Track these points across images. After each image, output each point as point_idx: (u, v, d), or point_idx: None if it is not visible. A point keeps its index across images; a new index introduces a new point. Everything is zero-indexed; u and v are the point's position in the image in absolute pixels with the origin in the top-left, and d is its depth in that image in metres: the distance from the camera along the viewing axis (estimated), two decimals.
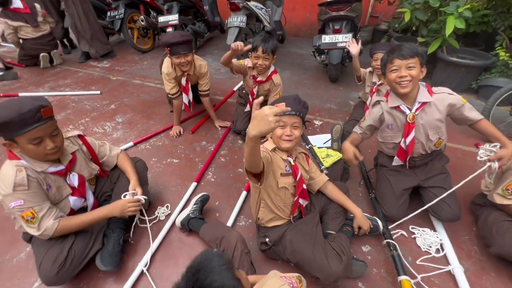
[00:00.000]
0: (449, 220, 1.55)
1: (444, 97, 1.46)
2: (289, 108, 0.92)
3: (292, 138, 1.23)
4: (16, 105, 1.07)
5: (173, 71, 2.28)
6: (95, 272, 1.40)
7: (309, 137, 2.48)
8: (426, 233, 1.58)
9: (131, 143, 2.31)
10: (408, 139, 1.52)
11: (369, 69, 2.49)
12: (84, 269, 1.36)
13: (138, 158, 1.71)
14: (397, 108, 1.51)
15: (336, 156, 2.17)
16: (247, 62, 2.25)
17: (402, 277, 1.29)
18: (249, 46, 2.06)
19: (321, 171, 2.00)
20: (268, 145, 1.30)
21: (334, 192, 1.49)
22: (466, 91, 3.18)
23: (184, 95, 2.42)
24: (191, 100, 2.46)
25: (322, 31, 3.39)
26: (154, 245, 1.50)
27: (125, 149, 2.26)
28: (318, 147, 2.32)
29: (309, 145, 2.32)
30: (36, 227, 1.16)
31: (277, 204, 1.33)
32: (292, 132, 1.22)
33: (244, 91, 2.55)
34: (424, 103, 1.46)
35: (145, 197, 1.47)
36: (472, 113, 1.46)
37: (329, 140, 2.40)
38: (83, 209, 1.44)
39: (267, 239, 1.36)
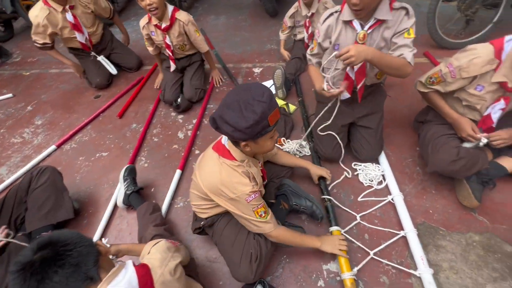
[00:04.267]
0: (368, 159, 1.52)
1: (400, 16, 1.18)
2: None
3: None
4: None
5: (45, 10, 2.11)
6: None
7: None
8: (368, 167, 1.50)
9: (53, 147, 2.04)
10: (356, 66, 1.28)
11: (294, 6, 2.20)
12: None
13: (44, 166, 1.49)
14: (349, 23, 1.24)
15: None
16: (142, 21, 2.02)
17: (333, 228, 1.25)
18: None
19: None
20: (239, 168, 1.00)
21: (284, 156, 1.40)
22: None
23: (77, 34, 2.26)
24: (88, 37, 2.32)
25: None
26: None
27: (48, 155, 2.01)
28: None
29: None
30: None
31: None
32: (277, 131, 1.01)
33: (163, 54, 2.22)
34: (380, 21, 1.19)
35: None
36: (406, 52, 1.18)
37: (271, 86, 2.17)
38: None
39: (202, 223, 1.26)
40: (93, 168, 1.87)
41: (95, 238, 1.44)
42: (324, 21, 1.32)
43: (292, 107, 1.97)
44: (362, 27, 1.22)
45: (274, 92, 2.12)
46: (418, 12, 2.32)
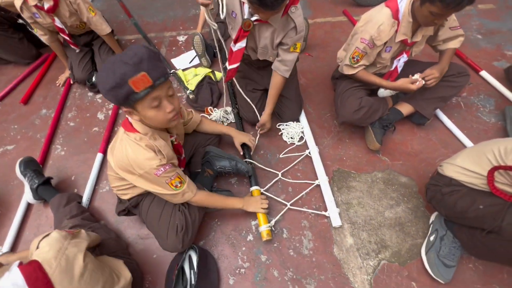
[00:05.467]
0: (289, 120, 1.60)
1: (289, 26, 1.17)
2: None
3: (177, 110, 0.91)
4: None
5: None
6: None
7: (172, 60, 2.10)
8: (289, 125, 1.57)
9: None
10: (237, 47, 1.25)
11: None
12: None
13: None
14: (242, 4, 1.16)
15: (202, 74, 1.90)
16: None
17: (252, 188, 1.32)
18: None
19: (188, 95, 1.77)
20: (142, 141, 0.93)
21: (208, 124, 1.38)
22: None
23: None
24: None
25: None
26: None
27: None
28: (184, 70, 2.00)
29: (171, 71, 1.97)
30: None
31: None
32: (172, 103, 0.89)
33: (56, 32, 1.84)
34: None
35: None
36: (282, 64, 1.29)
37: (195, 56, 2.07)
38: None
39: (125, 205, 1.20)
40: None
41: (9, 239, 1.30)
42: None
43: (218, 75, 1.92)
44: (251, 16, 1.16)
45: (198, 61, 2.03)
46: None
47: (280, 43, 1.24)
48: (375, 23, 1.20)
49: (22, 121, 1.84)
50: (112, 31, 1.89)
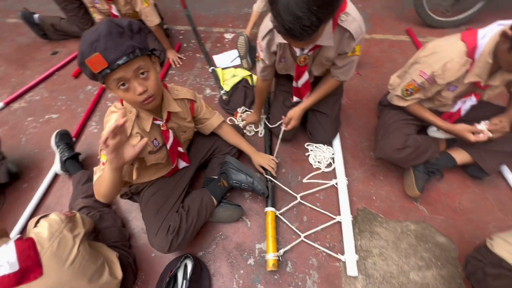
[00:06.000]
0: (321, 142, 1.45)
1: (344, 37, 1.02)
2: None
3: (150, 93, 0.82)
4: None
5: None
6: None
7: (214, 56, 2.08)
8: (319, 148, 1.44)
9: (0, 104, 1.91)
10: (300, 82, 1.20)
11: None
12: None
13: None
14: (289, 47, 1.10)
15: (240, 76, 1.85)
16: None
17: (267, 209, 1.22)
18: None
19: (221, 96, 1.73)
20: (118, 111, 0.89)
21: (228, 133, 1.30)
22: None
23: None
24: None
25: None
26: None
27: None
28: (223, 68, 1.96)
29: (211, 68, 1.95)
30: None
31: (148, 172, 1.12)
32: (143, 85, 0.80)
33: None
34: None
35: None
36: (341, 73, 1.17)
37: (237, 57, 2.02)
38: None
39: (125, 191, 1.20)
40: (41, 130, 1.76)
41: (33, 203, 1.39)
42: (264, 37, 1.11)
43: (256, 79, 1.85)
44: (302, 50, 1.08)
45: (239, 62, 1.98)
46: None
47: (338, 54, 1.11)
48: (441, 58, 1.00)
49: (69, 93, 1.97)
50: (162, 19, 1.93)
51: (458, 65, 0.98)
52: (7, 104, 1.94)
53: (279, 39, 1.04)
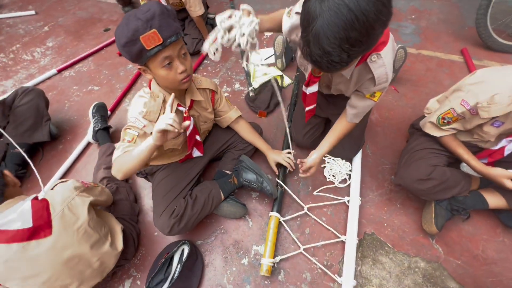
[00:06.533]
0: (340, 156, 1.40)
1: (366, 76, 0.92)
2: None
3: (188, 73, 0.91)
4: None
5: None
6: None
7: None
8: (337, 162, 1.38)
9: (54, 71, 2.12)
10: (309, 90, 1.12)
11: None
12: None
13: (31, 87, 1.55)
14: None
15: (270, 75, 1.83)
16: None
17: (272, 213, 1.21)
18: None
19: (249, 92, 1.74)
20: (147, 96, 0.95)
21: (244, 129, 1.31)
22: None
23: None
24: None
25: None
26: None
27: (48, 78, 2.10)
28: (256, 65, 1.96)
29: (244, 63, 1.95)
30: None
31: (163, 156, 1.17)
32: (184, 64, 0.88)
33: None
34: None
35: None
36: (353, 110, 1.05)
37: (272, 55, 2.00)
38: None
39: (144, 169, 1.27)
40: (83, 99, 1.93)
41: (66, 165, 1.53)
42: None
43: (286, 81, 1.82)
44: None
45: (273, 61, 1.95)
46: None
47: (356, 90, 1.02)
48: (489, 89, 0.89)
49: (112, 69, 2.12)
50: (208, 7, 1.95)
51: (508, 100, 0.86)
52: (60, 71, 2.15)
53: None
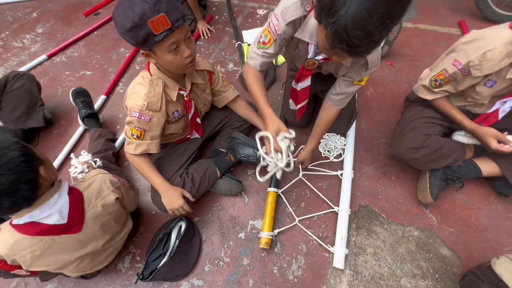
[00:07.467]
0: (333, 132, 1.38)
1: (363, 59, 0.88)
2: None
3: (193, 56, 0.90)
4: None
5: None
6: None
7: (244, 32, 2.04)
8: (331, 138, 1.38)
9: (44, 57, 2.08)
10: (300, 86, 1.08)
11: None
12: None
13: (22, 72, 1.52)
14: (307, 44, 0.93)
15: None
16: None
17: (270, 189, 1.22)
18: None
19: (242, 72, 1.71)
20: (146, 81, 0.93)
21: (242, 107, 1.30)
22: None
23: None
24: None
25: None
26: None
27: (39, 64, 2.06)
28: (249, 44, 1.92)
29: (237, 42, 1.92)
30: None
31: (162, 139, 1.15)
32: (190, 47, 0.86)
33: None
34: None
35: None
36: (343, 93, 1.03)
37: None
38: None
39: None
40: (75, 84, 1.90)
41: (67, 147, 1.52)
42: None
43: (281, 59, 1.79)
44: (316, 55, 0.92)
45: None
46: None
47: (344, 75, 0.99)
48: (482, 46, 0.87)
49: (104, 53, 2.09)
50: None
51: (500, 56, 0.85)
52: (50, 56, 2.10)
53: (306, 36, 0.85)
